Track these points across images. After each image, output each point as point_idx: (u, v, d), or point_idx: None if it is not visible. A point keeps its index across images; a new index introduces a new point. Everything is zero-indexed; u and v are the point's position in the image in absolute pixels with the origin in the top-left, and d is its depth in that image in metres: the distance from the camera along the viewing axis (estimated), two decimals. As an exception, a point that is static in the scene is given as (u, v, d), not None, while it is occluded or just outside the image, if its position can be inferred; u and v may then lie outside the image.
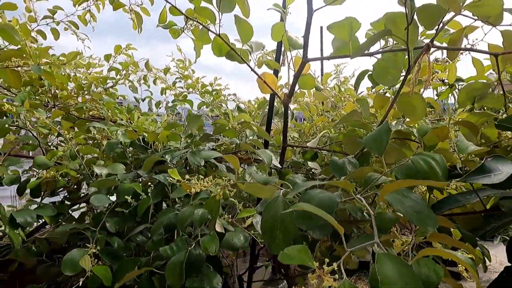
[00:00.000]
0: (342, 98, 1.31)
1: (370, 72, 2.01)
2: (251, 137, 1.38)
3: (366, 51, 0.77)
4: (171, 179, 0.56)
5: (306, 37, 0.83)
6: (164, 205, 1.11)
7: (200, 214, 0.69)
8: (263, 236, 0.55)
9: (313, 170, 1.36)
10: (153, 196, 0.88)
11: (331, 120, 1.38)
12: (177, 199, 0.91)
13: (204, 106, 2.18)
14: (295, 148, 1.32)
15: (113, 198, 1.06)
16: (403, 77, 1.00)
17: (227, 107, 1.80)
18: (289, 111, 1.06)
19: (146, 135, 1.35)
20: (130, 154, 1.49)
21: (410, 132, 0.85)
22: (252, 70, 1.04)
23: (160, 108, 2.37)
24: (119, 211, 0.89)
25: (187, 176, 0.56)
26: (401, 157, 0.81)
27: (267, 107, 1.77)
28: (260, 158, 1.27)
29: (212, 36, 1.08)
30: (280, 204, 0.58)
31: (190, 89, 2.19)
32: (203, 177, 1.12)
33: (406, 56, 0.93)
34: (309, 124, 1.31)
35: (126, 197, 0.87)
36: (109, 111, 1.71)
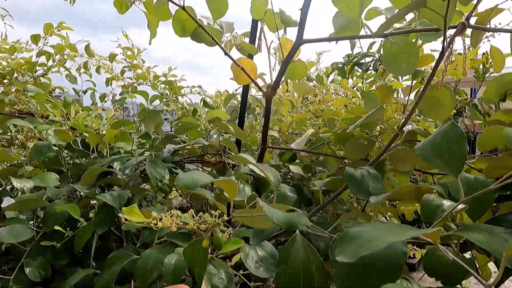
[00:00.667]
0: (324, 91, 1.15)
1: (340, 65, 1.89)
2: (215, 136, 1.17)
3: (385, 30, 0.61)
4: (128, 222, 0.34)
5: (304, 11, 0.64)
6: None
7: (174, 265, 0.46)
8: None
9: (291, 174, 1.19)
10: (97, 223, 0.63)
11: (310, 117, 1.21)
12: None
13: (157, 100, 1.91)
14: (272, 149, 1.13)
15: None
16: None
17: (192, 102, 1.56)
18: (271, 107, 0.88)
19: (88, 136, 1.08)
20: (67, 158, 1.20)
21: (425, 133, 0.70)
22: (227, 54, 0.83)
23: (105, 101, 2.06)
24: (48, 246, 0.64)
25: (154, 213, 0.35)
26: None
27: (232, 101, 1.56)
28: (234, 163, 1.07)
29: (173, 9, 0.84)
30: (299, 247, 0.38)
31: (141, 80, 1.91)
32: (169, 191, 0.89)
33: (420, 41, 0.78)
34: (288, 122, 1.12)
35: (56, 227, 0.62)
36: (39, 105, 1.39)
